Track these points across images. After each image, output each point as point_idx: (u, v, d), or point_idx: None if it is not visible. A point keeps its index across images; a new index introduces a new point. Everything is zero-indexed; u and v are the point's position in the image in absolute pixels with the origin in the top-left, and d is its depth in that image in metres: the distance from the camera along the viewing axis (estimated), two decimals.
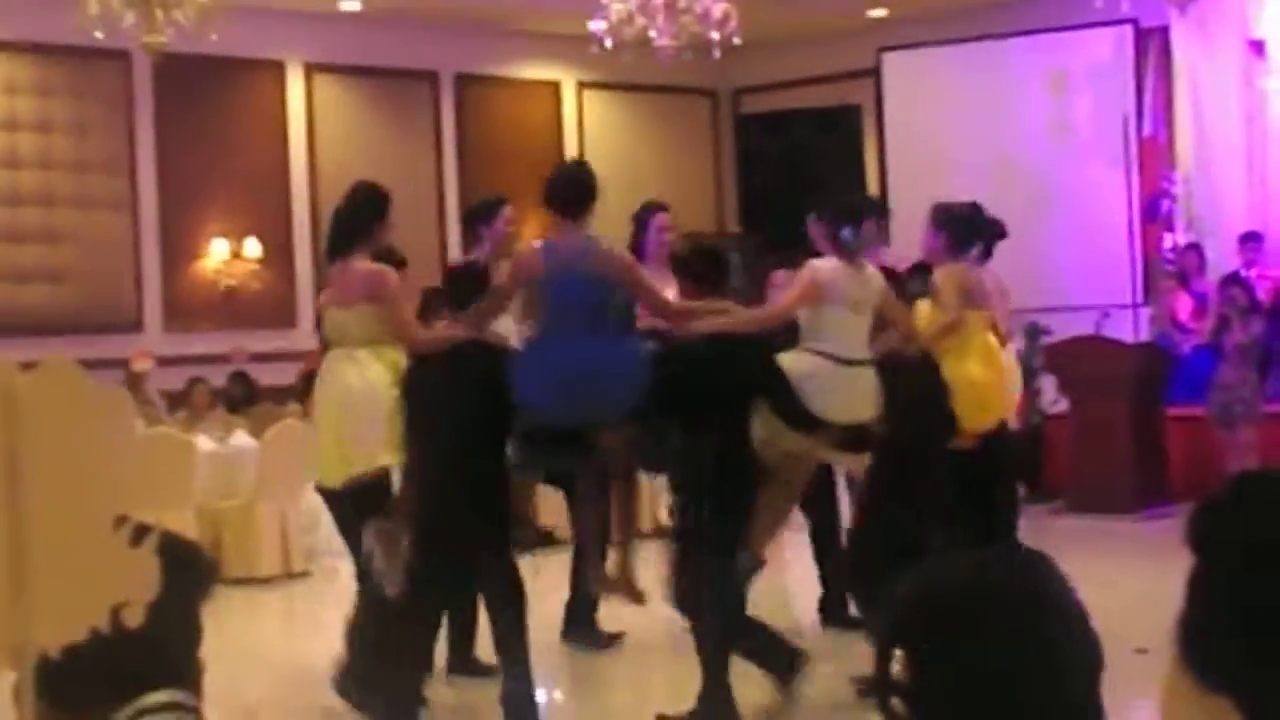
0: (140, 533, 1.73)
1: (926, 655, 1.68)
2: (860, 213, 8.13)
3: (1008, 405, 9.21)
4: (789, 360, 7.71)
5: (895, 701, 1.67)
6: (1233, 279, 14.77)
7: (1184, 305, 15.40)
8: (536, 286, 7.64)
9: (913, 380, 7.81)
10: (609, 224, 16.58)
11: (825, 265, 7.87)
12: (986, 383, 8.55)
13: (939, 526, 7.97)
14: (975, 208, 9.15)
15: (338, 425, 7.80)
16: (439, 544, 7.26)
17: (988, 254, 9.19)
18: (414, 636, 7.43)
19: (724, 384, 7.33)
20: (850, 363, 7.78)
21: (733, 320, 7.61)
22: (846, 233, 7.87)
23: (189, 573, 2.08)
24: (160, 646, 1.99)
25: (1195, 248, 15.77)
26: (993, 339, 8.82)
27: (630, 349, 7.48)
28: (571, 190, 8.05)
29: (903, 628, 1.70)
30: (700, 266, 7.72)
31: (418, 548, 7.30)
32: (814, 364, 7.73)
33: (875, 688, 1.73)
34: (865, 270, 7.90)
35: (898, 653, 1.69)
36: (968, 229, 8.86)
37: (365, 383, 7.79)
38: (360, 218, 8.26)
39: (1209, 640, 2.35)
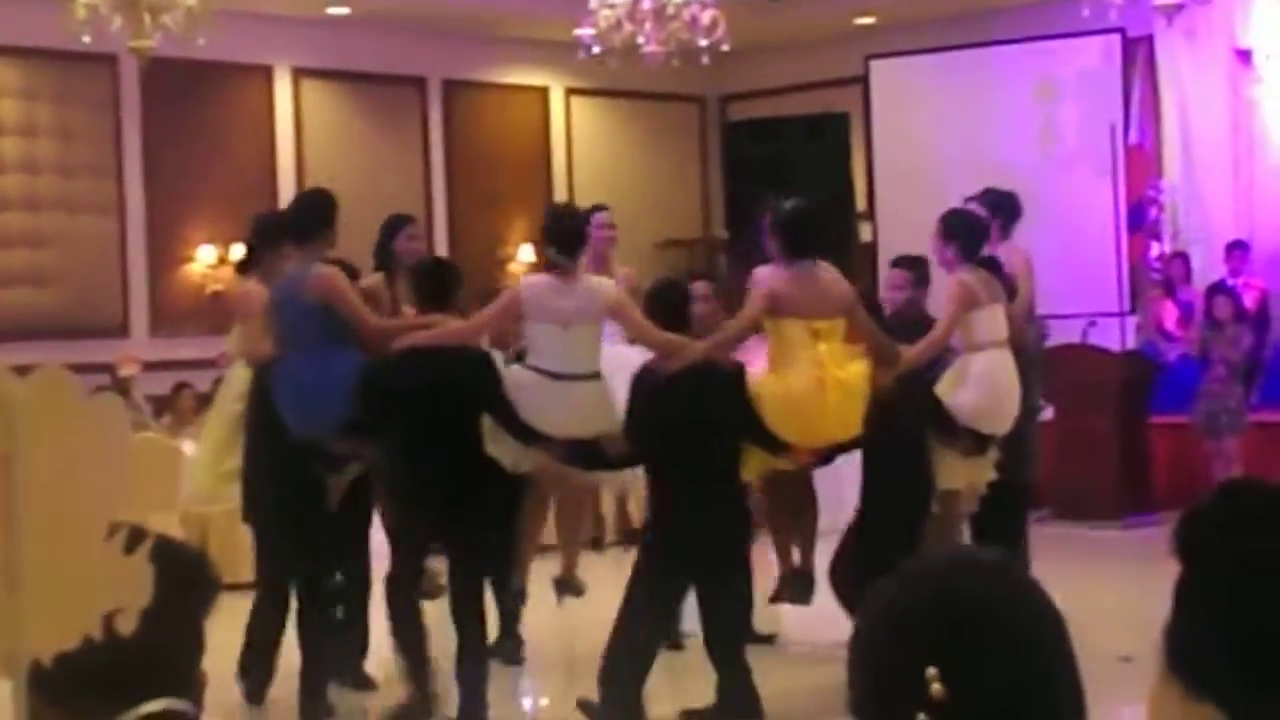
0: (134, 540, 1.73)
1: (967, 667, 1.64)
2: (574, 235, 8.22)
3: (845, 420, 8.12)
4: (508, 375, 7.97)
5: (922, 718, 1.63)
6: (1219, 288, 14.81)
7: (1170, 314, 15.44)
8: (269, 312, 8.24)
9: (709, 393, 7.78)
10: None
11: (530, 282, 8.25)
12: (804, 395, 7.92)
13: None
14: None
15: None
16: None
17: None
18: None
19: (441, 397, 7.67)
20: (561, 377, 7.88)
21: (437, 333, 7.86)
22: (551, 252, 8.14)
23: (188, 580, 2.07)
24: (158, 655, 1.98)
25: (1182, 256, 15.80)
26: (825, 350, 8.04)
27: (338, 365, 7.85)
28: (302, 218, 8.73)
29: (930, 642, 1.66)
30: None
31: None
32: (525, 378, 7.92)
33: (901, 706, 1.66)
34: (581, 285, 8.02)
35: (930, 671, 1.64)
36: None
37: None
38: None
39: (1196, 648, 2.36)
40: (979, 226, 9.20)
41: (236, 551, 12.22)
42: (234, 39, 15.01)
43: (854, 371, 8.02)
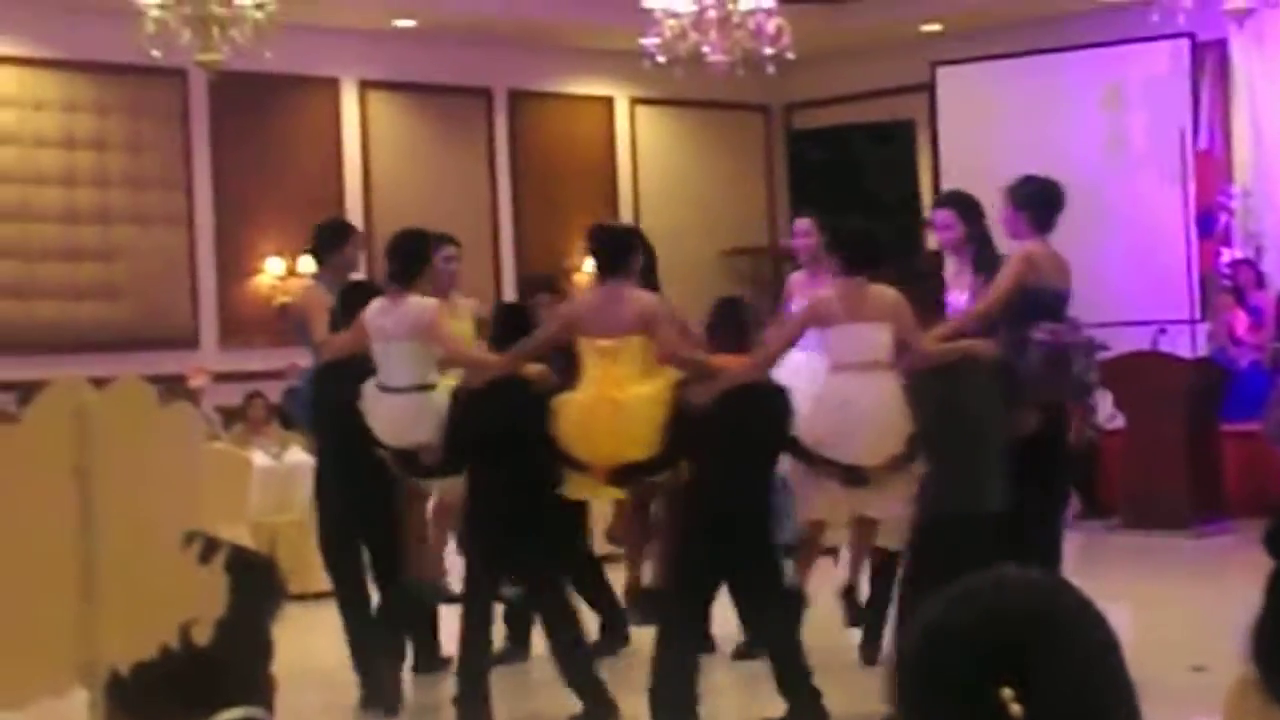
0: (209, 549, 1.74)
1: (1039, 687, 1.62)
2: (410, 258, 8.74)
3: (624, 441, 7.95)
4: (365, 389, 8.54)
5: None
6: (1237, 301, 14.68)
7: (1240, 320, 15.29)
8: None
9: (515, 408, 8.02)
10: (657, 238, 16.63)
11: (371, 304, 8.56)
12: (581, 414, 7.92)
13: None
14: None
15: None
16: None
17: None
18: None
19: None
20: (386, 389, 8.41)
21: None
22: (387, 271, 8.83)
23: (260, 588, 2.08)
24: (232, 663, 1.99)
25: (1249, 262, 15.66)
26: (606, 370, 7.99)
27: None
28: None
29: (996, 658, 1.64)
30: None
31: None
32: (366, 390, 8.48)
33: None
34: (402, 306, 8.43)
35: (1006, 692, 1.62)
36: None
37: None
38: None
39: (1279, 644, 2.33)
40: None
41: (304, 561, 12.30)
42: (301, 52, 15.11)
43: (635, 393, 7.93)
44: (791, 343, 8.21)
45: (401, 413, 8.43)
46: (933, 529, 7.77)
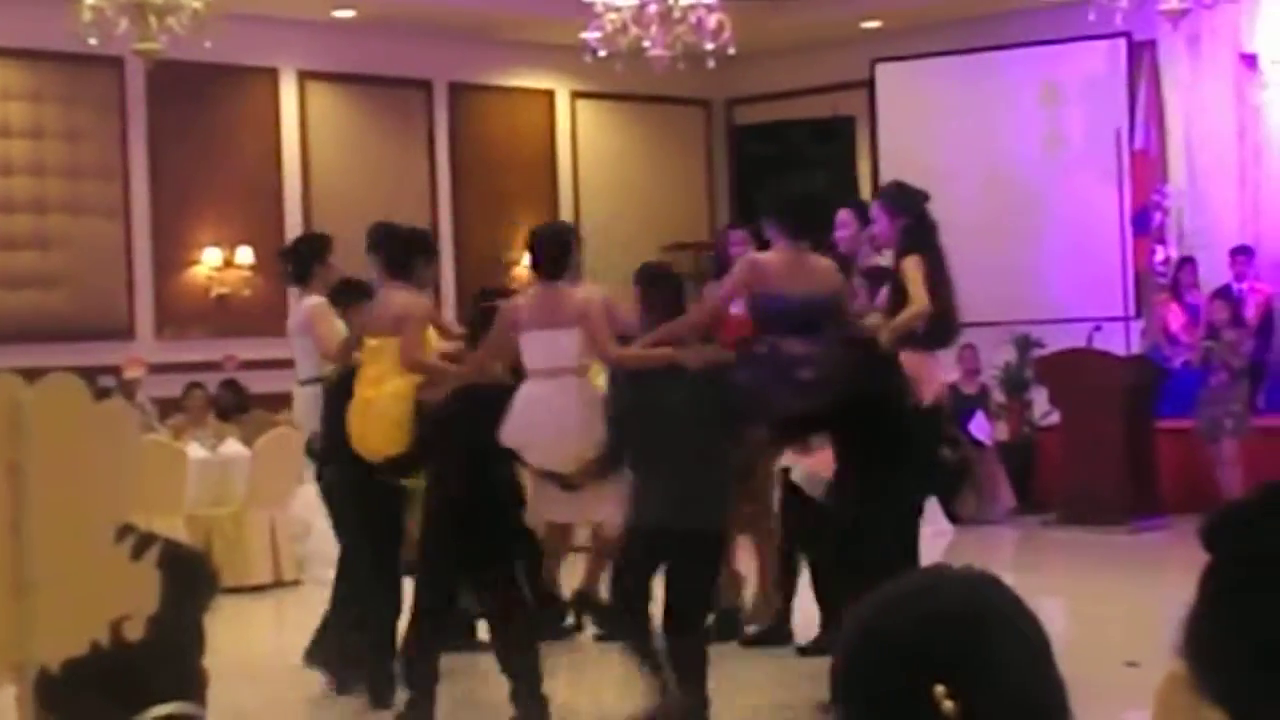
0: (142, 545, 1.73)
1: (974, 684, 1.63)
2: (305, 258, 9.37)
3: (371, 437, 8.24)
4: None
5: None
6: (1222, 293, 14.80)
7: (1176, 317, 15.42)
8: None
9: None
10: (600, 232, 16.71)
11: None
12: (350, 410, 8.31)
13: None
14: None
15: None
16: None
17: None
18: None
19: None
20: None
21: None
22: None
23: (192, 583, 2.08)
24: (165, 658, 1.98)
25: (1190, 261, 15.80)
26: (365, 368, 8.33)
27: None
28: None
29: (935, 662, 1.65)
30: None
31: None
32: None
33: None
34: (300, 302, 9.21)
35: (939, 689, 1.63)
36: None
37: None
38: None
39: (1213, 642, 2.36)
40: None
41: (240, 554, 12.26)
42: (240, 42, 15.03)
43: (384, 390, 8.14)
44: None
45: (297, 402, 9.29)
46: (630, 539, 7.58)
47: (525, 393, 7.79)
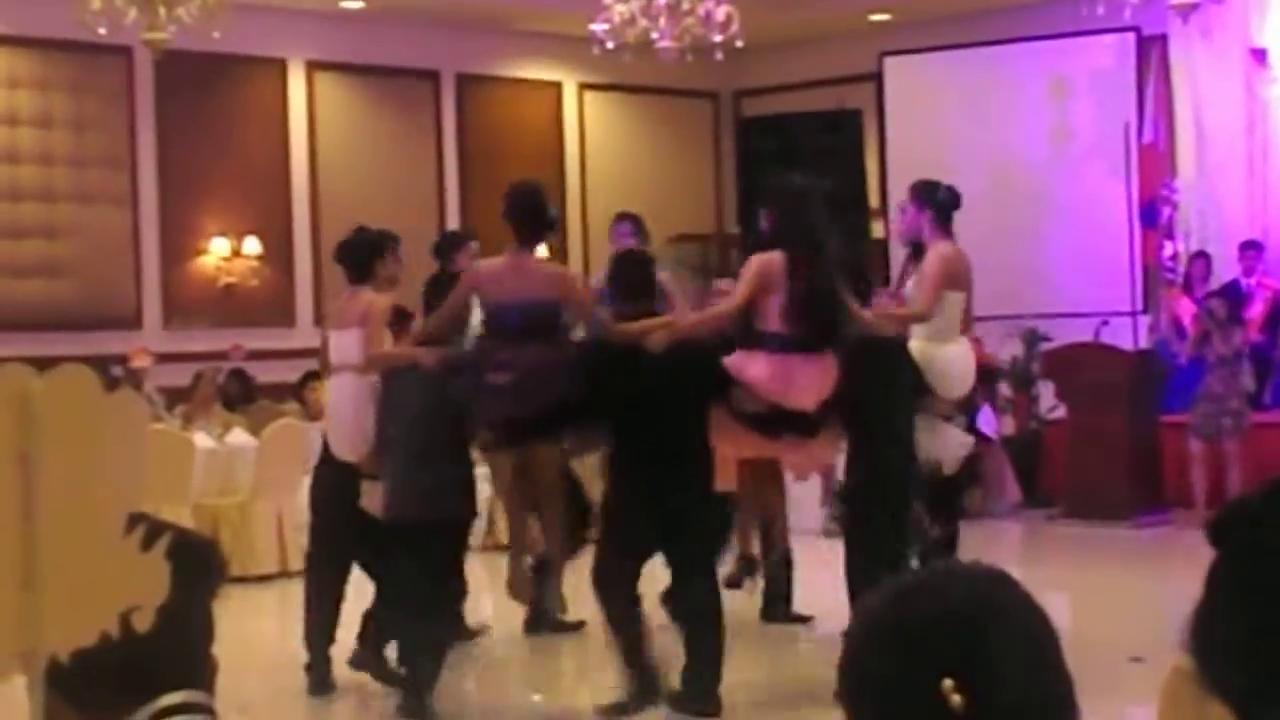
0: (153, 535, 1.73)
1: (982, 678, 1.63)
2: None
3: None
4: None
5: None
6: (1215, 291, 14.77)
7: (1187, 309, 15.39)
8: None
9: None
10: (604, 224, 16.69)
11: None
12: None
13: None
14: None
15: None
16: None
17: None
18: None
19: None
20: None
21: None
22: None
23: (202, 571, 2.08)
24: (174, 647, 1.99)
25: (1203, 255, 15.79)
26: None
27: None
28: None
29: (945, 655, 1.65)
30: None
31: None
32: None
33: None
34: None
35: (947, 683, 1.63)
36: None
37: None
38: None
39: (1218, 637, 2.36)
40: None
41: (246, 543, 12.28)
42: (248, 32, 15.03)
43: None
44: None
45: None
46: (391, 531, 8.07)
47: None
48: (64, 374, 1.66)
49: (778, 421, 7.85)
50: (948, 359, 8.69)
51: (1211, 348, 13.61)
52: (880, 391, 8.14)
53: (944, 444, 8.80)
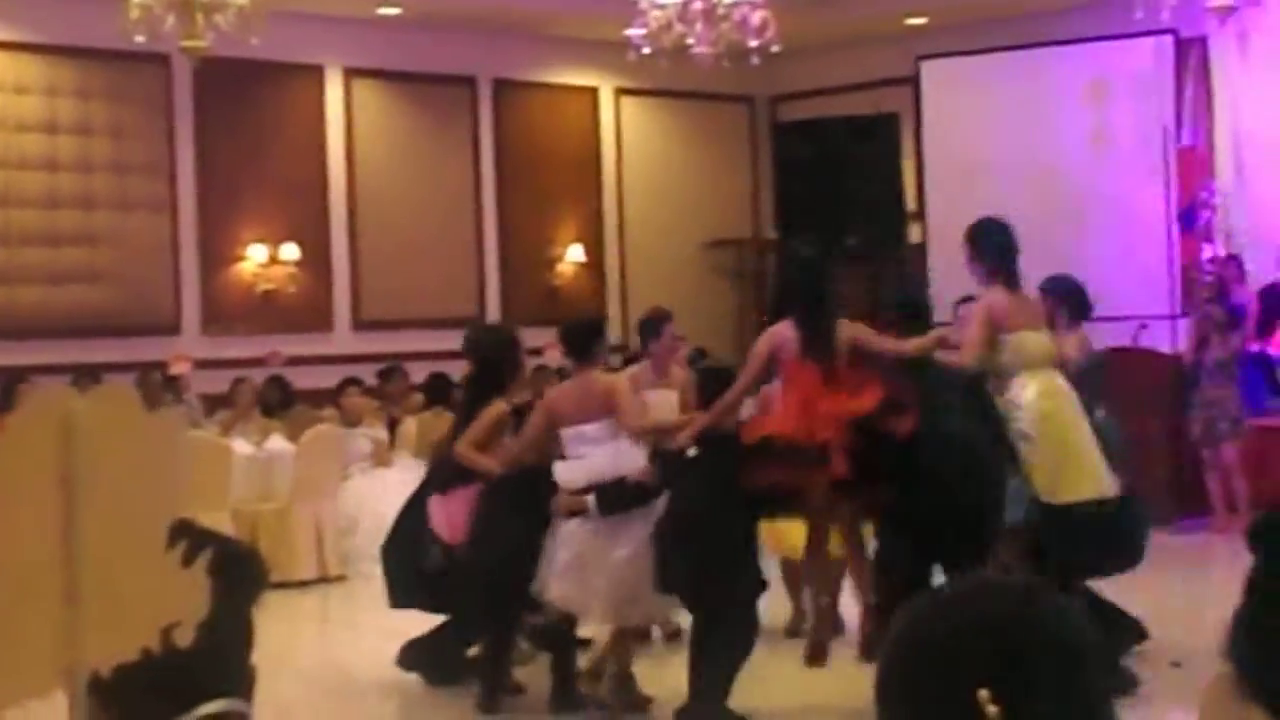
0: (194, 550, 1.74)
1: (1019, 689, 1.63)
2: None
3: None
4: None
5: None
6: (1212, 297, 14.67)
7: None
8: None
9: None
10: (640, 229, 16.66)
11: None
12: None
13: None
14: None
15: None
16: None
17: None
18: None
19: None
20: None
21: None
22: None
23: (244, 580, 2.09)
24: (214, 657, 1.99)
25: (1235, 258, 15.71)
26: None
27: None
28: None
29: (982, 667, 1.65)
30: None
31: None
32: None
33: None
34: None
35: (983, 693, 1.63)
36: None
37: None
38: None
39: (1257, 643, 2.35)
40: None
41: (285, 549, 12.31)
42: (285, 39, 15.08)
43: None
44: None
45: None
46: None
47: None
48: (105, 394, 1.67)
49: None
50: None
51: (1209, 352, 13.53)
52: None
53: None
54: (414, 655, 8.94)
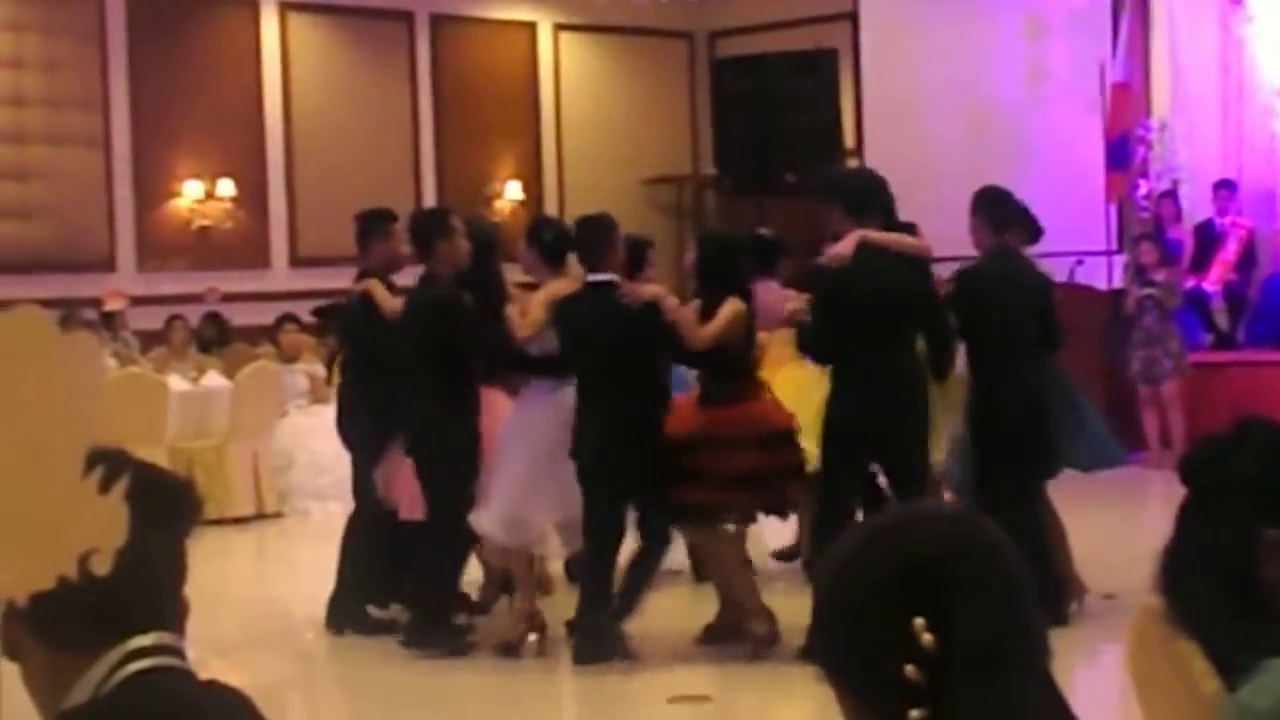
0: (112, 476, 1.72)
1: (952, 616, 1.64)
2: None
3: None
4: None
5: (910, 669, 1.62)
6: (1145, 234, 14.75)
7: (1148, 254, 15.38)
8: None
9: None
10: (579, 165, 16.57)
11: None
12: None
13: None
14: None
15: None
16: None
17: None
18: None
19: None
20: None
21: None
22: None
23: (172, 510, 2.07)
24: (144, 588, 1.98)
25: (1171, 195, 15.77)
26: None
27: None
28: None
29: (913, 595, 1.65)
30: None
31: None
32: None
33: (886, 660, 1.64)
34: None
35: (919, 622, 1.64)
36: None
37: None
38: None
39: (1185, 574, 2.37)
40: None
41: (223, 486, 12.27)
42: None
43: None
44: None
45: None
46: None
47: None
48: (15, 316, 1.64)
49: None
50: None
51: (1156, 299, 13.62)
52: None
53: None
54: (337, 615, 8.82)
